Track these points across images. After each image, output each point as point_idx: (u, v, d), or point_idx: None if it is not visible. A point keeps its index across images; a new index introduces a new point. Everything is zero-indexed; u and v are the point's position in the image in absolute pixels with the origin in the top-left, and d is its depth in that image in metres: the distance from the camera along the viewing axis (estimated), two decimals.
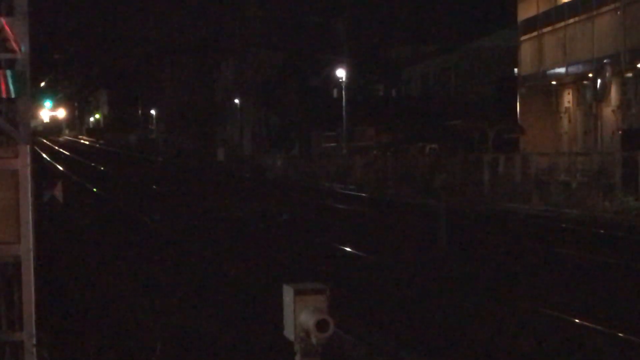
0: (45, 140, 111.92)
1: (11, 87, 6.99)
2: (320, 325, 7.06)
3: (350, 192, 35.76)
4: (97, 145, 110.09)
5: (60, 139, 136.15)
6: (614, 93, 36.30)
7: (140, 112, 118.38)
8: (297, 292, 7.16)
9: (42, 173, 43.21)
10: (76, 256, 17.22)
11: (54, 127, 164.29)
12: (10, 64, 7.08)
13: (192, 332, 10.57)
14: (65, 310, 11.79)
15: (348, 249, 17.45)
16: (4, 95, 7.00)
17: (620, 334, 9.97)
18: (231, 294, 12.93)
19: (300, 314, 7.09)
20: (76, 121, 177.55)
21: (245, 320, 11.03)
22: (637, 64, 35.63)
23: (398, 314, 11.65)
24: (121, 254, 17.52)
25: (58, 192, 24.76)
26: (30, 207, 7.28)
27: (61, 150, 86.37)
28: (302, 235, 20.18)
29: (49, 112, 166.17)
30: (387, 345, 9.98)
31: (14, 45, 6.99)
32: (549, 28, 44.17)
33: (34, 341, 7.22)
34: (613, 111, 37.05)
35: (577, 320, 10.74)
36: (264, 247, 18.53)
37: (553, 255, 16.36)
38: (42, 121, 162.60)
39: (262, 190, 37.38)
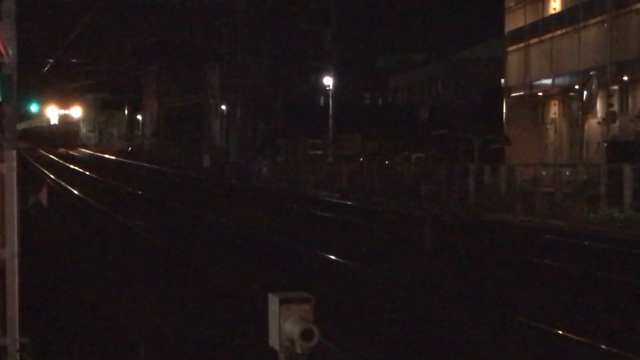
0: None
1: None
2: (306, 335, 7.07)
3: (335, 201, 35.77)
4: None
5: (76, 153, 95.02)
6: (600, 105, 36.50)
7: (126, 116, 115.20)
8: (282, 301, 7.17)
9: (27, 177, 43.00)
10: (62, 257, 17.11)
11: (65, 131, 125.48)
12: None
13: (176, 339, 10.54)
14: (51, 314, 11.74)
15: (332, 257, 17.46)
16: None
17: (600, 345, 10.02)
18: (213, 302, 12.91)
19: (285, 323, 7.10)
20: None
21: (228, 329, 11.02)
22: (623, 76, 35.89)
23: (381, 322, 11.67)
24: (106, 261, 17.46)
25: (43, 197, 24.69)
26: (15, 212, 7.25)
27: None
28: (286, 244, 20.18)
29: (56, 109, 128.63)
30: (370, 353, 10.00)
31: (1, 49, 6.94)
32: (536, 39, 44.42)
33: (18, 346, 7.20)
34: (599, 123, 37.25)
35: (557, 331, 10.79)
36: (248, 255, 18.52)
37: (535, 266, 16.41)
38: (48, 122, 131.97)
39: (247, 198, 37.35)
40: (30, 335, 9.66)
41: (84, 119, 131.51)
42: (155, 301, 12.92)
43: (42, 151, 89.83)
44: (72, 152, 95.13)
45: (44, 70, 72.15)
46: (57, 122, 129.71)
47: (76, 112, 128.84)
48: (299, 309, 7.10)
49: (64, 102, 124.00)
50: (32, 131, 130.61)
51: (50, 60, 68.13)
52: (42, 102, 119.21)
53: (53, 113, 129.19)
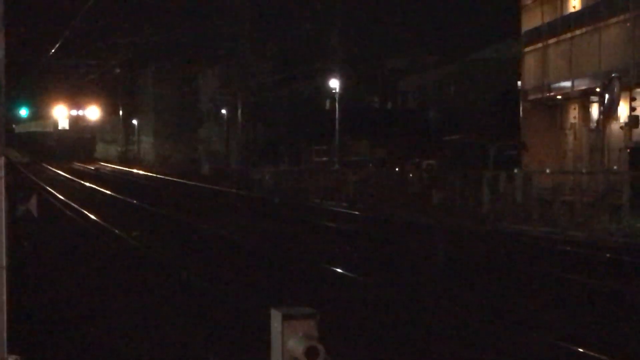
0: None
1: None
2: (310, 353, 7.06)
3: (342, 210, 35.75)
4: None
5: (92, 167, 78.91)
6: (622, 109, 36.43)
7: (121, 122, 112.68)
8: (286, 317, 7.16)
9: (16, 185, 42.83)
10: (53, 263, 17.09)
11: (78, 139, 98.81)
12: None
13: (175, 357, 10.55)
14: (41, 330, 11.77)
15: (338, 270, 17.45)
16: None
17: None
18: (213, 316, 12.91)
19: (288, 340, 7.10)
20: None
21: (229, 346, 11.01)
22: None
23: (387, 338, 11.65)
24: (100, 271, 17.47)
25: (33, 205, 24.70)
26: (4, 223, 7.26)
27: None
28: (290, 255, 20.17)
29: (66, 109, 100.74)
30: None
31: None
32: (554, 39, 44.40)
33: None
34: (621, 128, 37.17)
35: (579, 349, 10.76)
36: (250, 267, 18.52)
37: (555, 280, 16.38)
38: (55, 125, 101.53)
39: (248, 208, 37.36)
40: (18, 353, 9.67)
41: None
42: (152, 317, 12.94)
43: (50, 168, 73.20)
44: (92, 167, 78.21)
45: (51, 54, 68.60)
46: (67, 127, 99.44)
47: (92, 113, 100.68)
48: (303, 325, 7.10)
49: (76, 101, 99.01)
50: (33, 139, 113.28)
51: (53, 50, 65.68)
52: (48, 101, 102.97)
53: (62, 114, 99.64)
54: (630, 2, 36.80)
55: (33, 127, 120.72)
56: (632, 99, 36.41)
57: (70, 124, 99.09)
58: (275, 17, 61.86)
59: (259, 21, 62.04)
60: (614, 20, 38.20)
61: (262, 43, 62.75)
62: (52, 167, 74.57)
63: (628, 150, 35.11)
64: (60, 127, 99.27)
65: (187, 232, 26.16)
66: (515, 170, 40.76)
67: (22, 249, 21.15)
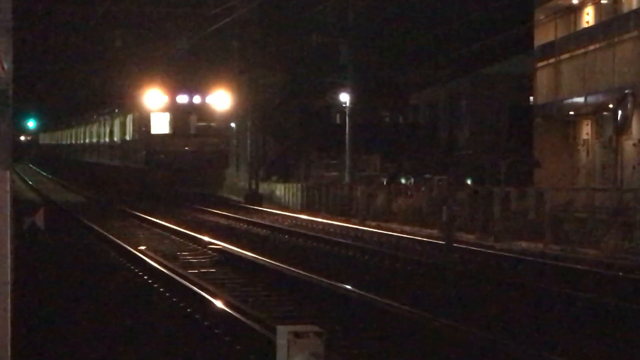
0: None
1: None
2: None
3: (351, 226, 35.65)
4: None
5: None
6: (635, 125, 36.37)
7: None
8: (293, 335, 7.16)
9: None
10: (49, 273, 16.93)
11: (197, 154, 47.04)
12: None
13: None
14: (44, 342, 11.78)
15: (347, 286, 17.42)
16: None
17: None
18: (217, 335, 12.89)
19: (294, 359, 7.09)
20: None
21: None
22: None
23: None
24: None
25: (39, 219, 24.67)
26: (9, 237, 7.28)
27: None
28: (297, 273, 20.15)
29: (165, 95, 47.54)
30: None
31: None
32: (567, 55, 44.41)
33: None
34: (634, 145, 37.12)
35: None
36: (259, 288, 18.49)
37: (567, 301, 16.31)
38: (136, 128, 49.70)
39: (259, 224, 37.24)
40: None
41: None
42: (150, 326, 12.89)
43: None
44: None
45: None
46: (167, 129, 47.89)
47: (221, 100, 49.24)
48: (309, 343, 7.09)
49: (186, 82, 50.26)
50: (76, 156, 72.01)
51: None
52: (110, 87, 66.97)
53: (157, 103, 47.89)
54: None
55: (68, 136, 79.97)
56: None
57: (177, 124, 47.63)
58: (283, 29, 61.70)
59: (267, 34, 62.01)
60: (627, 36, 38.22)
61: (271, 56, 62.70)
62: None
63: None
64: (154, 131, 46.98)
65: (193, 249, 25.96)
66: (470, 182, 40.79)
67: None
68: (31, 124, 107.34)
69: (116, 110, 54.45)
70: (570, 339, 12.93)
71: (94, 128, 62.92)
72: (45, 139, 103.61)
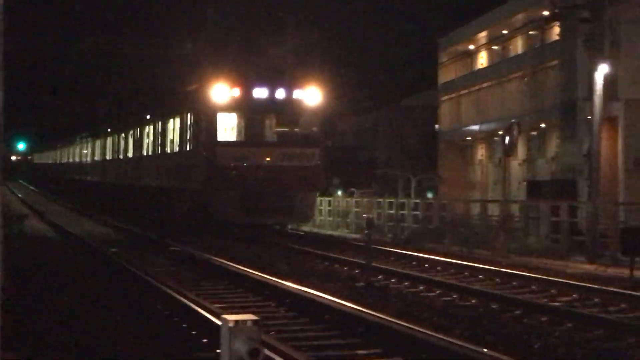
0: None
1: None
2: (252, 353, 7.24)
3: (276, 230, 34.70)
4: None
5: None
6: (520, 148, 37.26)
7: None
8: (234, 322, 7.33)
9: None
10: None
11: (280, 172, 26.39)
12: None
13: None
14: (36, 330, 11.46)
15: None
16: None
17: None
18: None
19: (235, 343, 7.26)
20: None
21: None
22: (540, 124, 36.66)
23: None
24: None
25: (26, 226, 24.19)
26: (1, 243, 7.20)
27: None
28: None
29: (227, 87, 26.13)
30: None
31: None
32: (466, 90, 45.25)
33: None
34: (519, 164, 37.97)
35: None
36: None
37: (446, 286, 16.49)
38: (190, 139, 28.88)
39: None
40: (15, 350, 9.53)
41: None
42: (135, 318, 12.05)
43: None
44: None
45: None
46: (242, 136, 26.99)
47: (314, 97, 27.30)
48: (248, 330, 7.26)
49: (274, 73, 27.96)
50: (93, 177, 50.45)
51: None
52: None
53: (225, 98, 26.26)
54: (527, 62, 37.71)
55: (77, 153, 58.89)
56: (528, 141, 37.19)
57: (254, 129, 27.50)
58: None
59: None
60: (513, 75, 39.09)
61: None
62: None
63: (525, 183, 35.82)
64: (220, 137, 27.12)
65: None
66: (430, 196, 41.24)
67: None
68: (21, 146, 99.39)
69: (157, 114, 33.65)
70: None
71: (122, 140, 40.72)
72: (42, 157, 78.89)
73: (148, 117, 35.47)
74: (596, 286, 15.86)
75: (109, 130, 45.37)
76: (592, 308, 14.15)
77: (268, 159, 26.90)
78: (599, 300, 14.68)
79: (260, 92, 27.13)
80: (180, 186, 29.41)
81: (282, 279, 16.35)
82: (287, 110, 27.30)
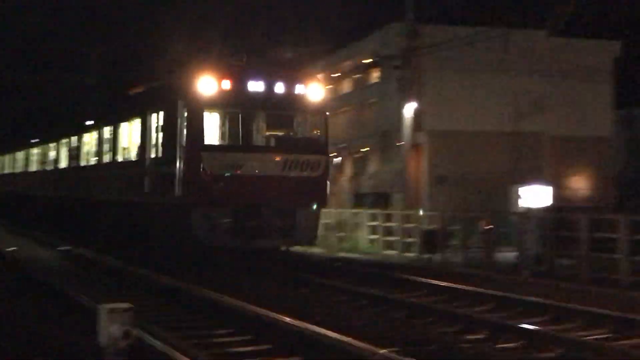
0: None
1: None
2: (126, 335, 7.48)
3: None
4: None
5: None
6: (348, 168, 38.68)
7: None
8: (110, 310, 7.53)
9: None
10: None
11: (279, 186, 16.92)
12: None
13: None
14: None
15: None
16: None
17: None
18: None
19: (111, 326, 7.47)
20: None
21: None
22: (362, 149, 38.18)
23: None
24: None
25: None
26: None
27: None
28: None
29: (214, 81, 15.37)
30: None
31: None
32: None
33: None
34: (348, 180, 39.35)
35: None
36: None
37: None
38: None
39: None
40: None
41: None
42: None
43: None
44: None
45: None
46: (235, 139, 16.30)
47: (317, 95, 17.16)
48: (122, 316, 7.48)
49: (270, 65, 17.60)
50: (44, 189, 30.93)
51: None
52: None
53: (212, 92, 15.88)
54: (354, 98, 39.20)
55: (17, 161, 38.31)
56: (354, 162, 38.58)
57: (247, 131, 17.06)
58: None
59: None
60: (344, 109, 40.41)
61: None
62: None
63: (352, 195, 37.25)
64: (208, 140, 16.99)
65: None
66: None
67: None
68: None
69: (125, 113, 21.42)
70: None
71: (68, 146, 27.47)
72: None
73: (123, 112, 21.65)
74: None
75: (63, 130, 29.26)
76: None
77: (266, 170, 17.35)
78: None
79: (256, 86, 17.45)
80: (149, 200, 18.51)
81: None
82: (288, 108, 17.95)
